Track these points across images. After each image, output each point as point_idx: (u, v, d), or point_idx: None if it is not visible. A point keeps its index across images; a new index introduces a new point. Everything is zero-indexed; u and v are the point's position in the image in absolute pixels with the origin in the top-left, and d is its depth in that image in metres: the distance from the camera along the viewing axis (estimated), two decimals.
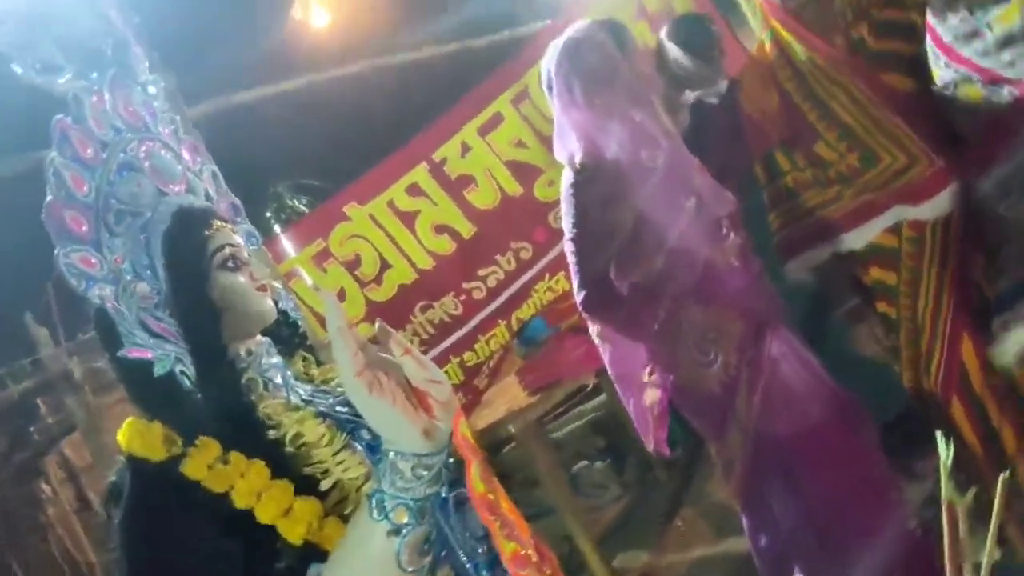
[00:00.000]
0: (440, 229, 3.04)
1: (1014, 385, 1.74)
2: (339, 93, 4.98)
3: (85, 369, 3.38)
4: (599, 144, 2.14)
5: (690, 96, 2.56)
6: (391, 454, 0.86)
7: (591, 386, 4.26)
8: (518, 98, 3.13)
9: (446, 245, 3.05)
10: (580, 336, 3.34)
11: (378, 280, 2.97)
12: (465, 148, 3.08)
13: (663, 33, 2.63)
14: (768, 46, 1.90)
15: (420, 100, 4.77)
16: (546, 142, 3.16)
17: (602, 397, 4.15)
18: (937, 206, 1.69)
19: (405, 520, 0.86)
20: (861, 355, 1.84)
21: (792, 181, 1.94)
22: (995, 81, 1.54)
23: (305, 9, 5.42)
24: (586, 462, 4.09)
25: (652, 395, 2.28)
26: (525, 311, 3.09)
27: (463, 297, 3.02)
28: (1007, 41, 1.51)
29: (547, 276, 3.11)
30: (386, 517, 0.86)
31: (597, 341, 2.34)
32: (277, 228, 3.85)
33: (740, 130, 2.10)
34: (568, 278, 3.12)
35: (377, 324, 0.90)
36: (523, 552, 0.91)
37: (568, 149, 2.20)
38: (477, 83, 3.28)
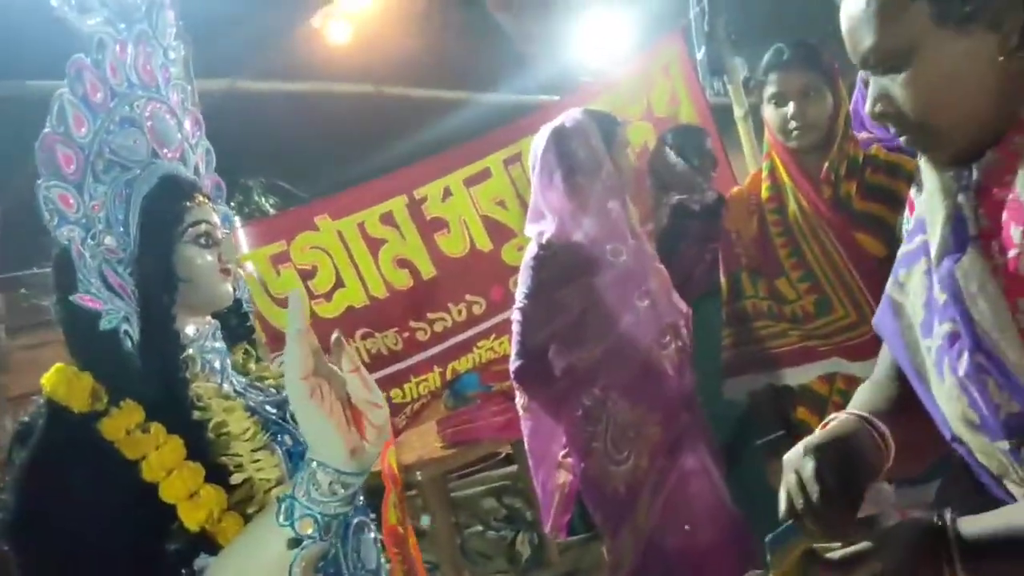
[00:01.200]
0: (402, 263, 3.06)
1: None
2: (336, 108, 5.01)
3: (6, 306, 3.27)
4: (568, 229, 2.21)
5: (674, 198, 2.66)
6: (313, 463, 0.86)
7: (503, 455, 4.26)
8: (510, 160, 3.20)
9: (404, 280, 3.06)
10: (508, 402, 3.36)
11: (328, 296, 2.96)
12: (447, 193, 3.12)
13: (663, 136, 2.76)
14: (765, 175, 1.96)
15: (413, 136, 4.83)
16: (526, 208, 3.24)
17: (512, 468, 4.14)
18: (870, 368, 1.76)
19: (310, 532, 0.86)
20: (770, 486, 1.88)
21: (751, 306, 1.99)
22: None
23: (325, 20, 5.48)
24: (480, 528, 4.06)
25: (563, 477, 2.30)
26: (463, 364, 3.10)
27: (407, 335, 3.02)
28: None
29: (492, 336, 3.13)
30: (292, 525, 0.86)
31: (521, 412, 2.36)
32: (237, 221, 3.82)
33: (714, 241, 2.18)
34: (510, 341, 3.16)
35: (334, 336, 0.91)
36: None
37: (539, 225, 2.27)
38: (474, 135, 3.36)
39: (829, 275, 1.86)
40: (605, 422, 2.20)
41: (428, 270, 3.08)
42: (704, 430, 2.25)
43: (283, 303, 2.83)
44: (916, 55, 0.87)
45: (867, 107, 0.95)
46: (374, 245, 3.03)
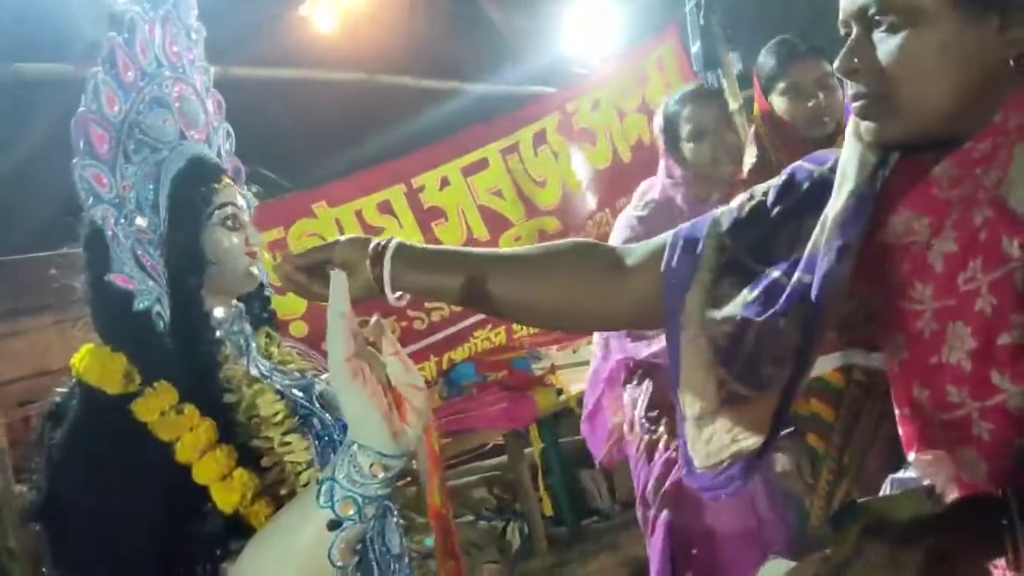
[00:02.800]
0: None
1: None
2: (324, 97, 4.99)
3: (2, 290, 3.22)
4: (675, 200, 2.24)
5: None
6: (354, 446, 0.86)
7: (491, 445, 4.27)
8: (508, 150, 3.20)
9: None
10: (502, 392, 3.37)
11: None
12: (444, 182, 3.12)
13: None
14: (754, 167, 1.98)
15: (404, 126, 4.81)
16: (523, 199, 3.24)
17: (503, 458, 4.15)
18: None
19: (350, 513, 0.86)
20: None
21: None
22: None
23: (312, 8, 5.44)
24: (471, 517, 4.06)
25: (615, 419, 2.38)
26: (459, 354, 3.10)
27: (404, 323, 3.02)
28: None
29: (489, 326, 3.13)
30: (332, 507, 0.86)
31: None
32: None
33: None
34: (508, 333, 3.17)
35: (373, 320, 0.91)
36: (460, 571, 0.92)
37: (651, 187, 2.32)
38: (469, 125, 3.35)
39: None
40: (645, 387, 2.26)
41: None
42: None
43: (281, 290, 2.80)
44: (920, 21, 0.85)
45: (840, 59, 0.91)
46: (372, 233, 3.00)
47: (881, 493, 0.98)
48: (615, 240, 2.27)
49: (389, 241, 1.08)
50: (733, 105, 3.78)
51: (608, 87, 3.48)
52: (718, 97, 2.19)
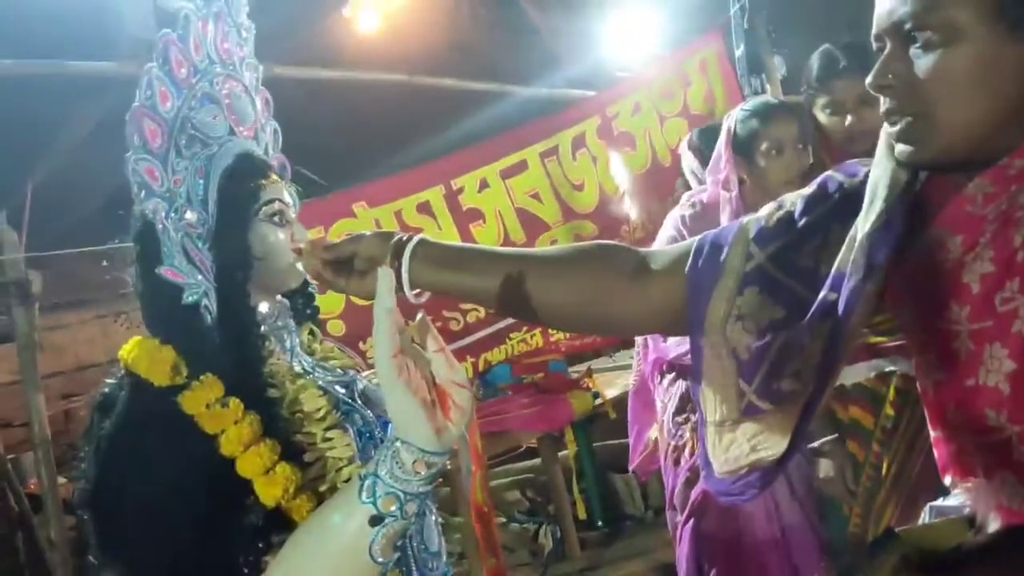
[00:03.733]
0: None
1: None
2: (365, 98, 5.03)
3: (45, 284, 3.28)
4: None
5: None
6: (398, 443, 0.86)
7: (525, 447, 4.27)
8: (547, 153, 3.19)
9: None
10: (538, 395, 3.37)
11: None
12: (483, 184, 3.12)
13: (694, 136, 2.71)
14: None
15: (444, 128, 4.83)
16: (560, 202, 3.23)
17: (536, 461, 4.15)
18: None
19: (392, 509, 0.86)
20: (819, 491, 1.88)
21: None
22: None
23: (355, 9, 5.48)
24: (503, 519, 4.07)
25: (655, 433, 2.37)
26: (495, 355, 3.09)
27: (439, 324, 3.02)
28: None
29: (524, 328, 3.12)
30: (374, 503, 0.86)
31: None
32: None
33: None
34: (544, 335, 3.16)
35: (419, 317, 0.91)
36: (502, 570, 0.91)
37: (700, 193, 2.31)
38: (508, 128, 3.35)
39: None
40: (675, 390, 2.24)
41: None
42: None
43: (321, 288, 2.83)
44: (959, 38, 0.82)
45: (873, 74, 0.88)
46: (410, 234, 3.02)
47: (920, 521, 0.96)
48: (661, 239, 2.25)
49: (412, 237, 1.07)
50: None
51: (649, 90, 3.45)
52: (800, 114, 2.12)
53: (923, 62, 0.84)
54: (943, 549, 0.83)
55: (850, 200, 0.96)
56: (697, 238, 1.06)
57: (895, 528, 0.85)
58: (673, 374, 2.26)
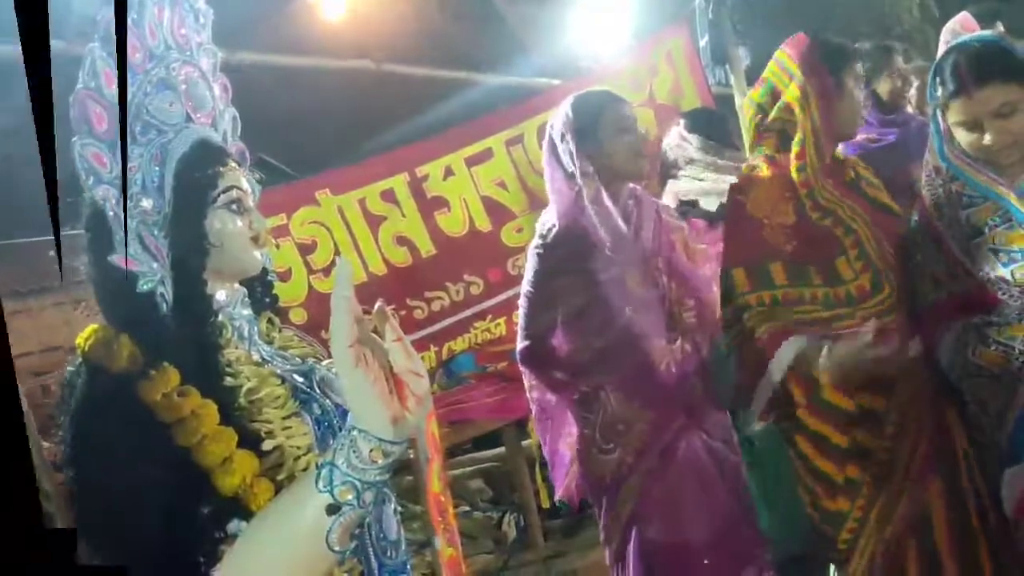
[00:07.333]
0: (402, 240, 3.05)
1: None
2: (330, 85, 4.98)
3: (3, 273, 3.22)
4: (569, 218, 2.22)
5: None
6: (355, 431, 0.86)
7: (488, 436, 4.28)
8: (512, 141, 3.20)
9: (403, 257, 3.05)
10: (502, 384, 3.38)
11: (327, 271, 2.95)
12: (448, 172, 3.11)
13: (681, 124, 2.72)
14: (794, 155, 1.89)
15: (409, 115, 4.80)
16: (526, 190, 3.24)
17: (500, 450, 4.16)
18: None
19: (349, 498, 0.86)
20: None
21: (782, 296, 1.83)
22: None
23: None
24: (467, 508, 4.08)
25: (570, 451, 2.34)
26: (459, 344, 3.10)
27: (403, 312, 3.02)
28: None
29: (489, 317, 3.13)
30: (331, 491, 0.86)
31: (528, 389, 2.38)
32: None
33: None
34: (508, 324, 3.17)
35: (377, 305, 0.91)
36: (459, 560, 0.92)
37: (546, 213, 2.32)
38: (475, 115, 3.34)
39: (877, 251, 1.84)
40: (598, 411, 2.22)
41: (427, 248, 3.08)
42: (718, 437, 2.25)
43: (283, 276, 2.81)
44: None
45: None
46: (374, 222, 3.02)
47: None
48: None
49: None
50: (740, 100, 3.77)
51: (614, 80, 3.46)
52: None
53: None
54: None
55: None
56: None
57: None
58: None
